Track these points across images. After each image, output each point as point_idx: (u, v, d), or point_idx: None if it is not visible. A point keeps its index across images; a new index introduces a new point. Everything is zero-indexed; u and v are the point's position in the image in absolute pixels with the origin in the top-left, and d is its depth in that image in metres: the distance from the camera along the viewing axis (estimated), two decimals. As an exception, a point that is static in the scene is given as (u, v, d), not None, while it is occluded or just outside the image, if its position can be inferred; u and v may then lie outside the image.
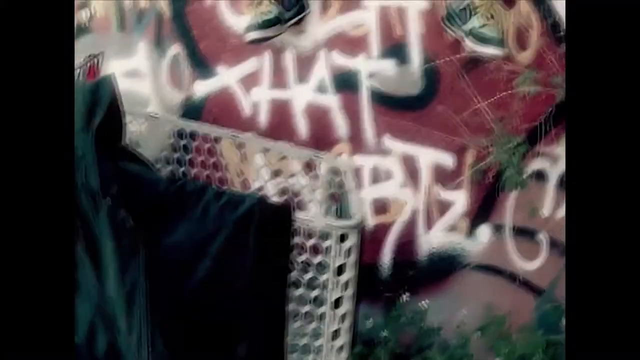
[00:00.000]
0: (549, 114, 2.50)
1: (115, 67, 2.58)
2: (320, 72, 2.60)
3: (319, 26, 2.57)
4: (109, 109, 1.89)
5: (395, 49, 2.55)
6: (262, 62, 2.61)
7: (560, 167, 2.58)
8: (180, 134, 2.52)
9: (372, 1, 2.53)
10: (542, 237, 2.61)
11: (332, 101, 2.60)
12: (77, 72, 2.32)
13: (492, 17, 2.38)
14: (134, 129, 2.48)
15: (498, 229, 2.62)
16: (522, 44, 2.50)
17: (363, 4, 2.54)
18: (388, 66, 2.56)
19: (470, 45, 2.41)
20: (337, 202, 2.47)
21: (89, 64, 2.42)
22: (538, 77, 2.47)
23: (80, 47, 2.55)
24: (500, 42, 2.38)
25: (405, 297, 2.65)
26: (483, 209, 2.62)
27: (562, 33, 2.48)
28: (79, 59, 2.43)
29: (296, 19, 2.50)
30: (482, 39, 2.37)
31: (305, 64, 2.60)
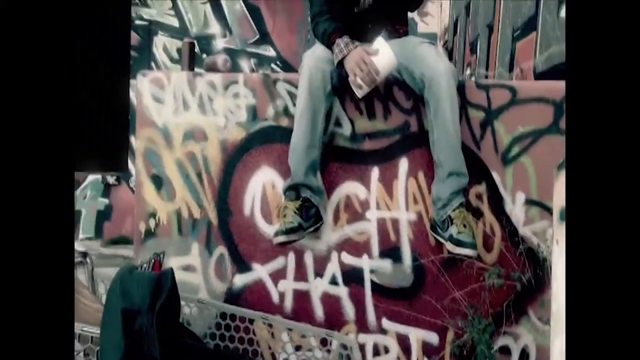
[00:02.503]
0: (510, 302, 2.75)
1: (174, 263, 2.82)
2: (333, 268, 2.85)
3: (331, 233, 2.84)
4: (168, 295, 2.16)
5: (391, 251, 2.82)
6: (287, 260, 2.86)
7: (521, 343, 2.75)
8: (223, 316, 2.75)
9: (372, 214, 2.82)
10: (511, 403, 2.71)
11: (342, 291, 2.83)
12: (144, 266, 2.58)
13: (465, 226, 2.59)
14: (187, 311, 2.76)
15: (474, 395, 2.73)
16: (488, 246, 2.76)
17: (365, 216, 2.82)
18: (385, 264, 2.82)
19: (449, 248, 2.63)
20: (346, 371, 2.65)
21: (154, 260, 2.66)
22: (501, 272, 2.75)
23: (148, 247, 2.94)
24: (473, 246, 2.58)
25: None
26: (461, 377, 2.75)
27: (517, 238, 2.73)
28: (147, 256, 2.76)
29: (314, 227, 2.73)
30: (459, 243, 2.59)
31: (321, 262, 2.84)
